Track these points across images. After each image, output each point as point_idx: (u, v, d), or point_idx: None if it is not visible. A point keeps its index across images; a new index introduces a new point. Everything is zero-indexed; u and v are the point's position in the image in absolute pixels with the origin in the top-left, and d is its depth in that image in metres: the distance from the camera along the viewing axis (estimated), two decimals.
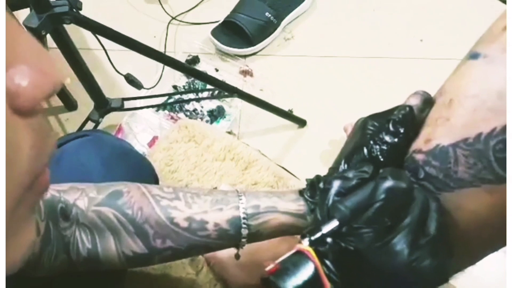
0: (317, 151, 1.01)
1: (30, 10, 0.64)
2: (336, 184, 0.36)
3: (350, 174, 0.36)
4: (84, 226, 0.41)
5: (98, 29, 0.67)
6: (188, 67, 0.91)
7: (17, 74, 0.18)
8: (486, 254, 0.37)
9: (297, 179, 0.66)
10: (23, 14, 1.03)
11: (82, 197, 0.42)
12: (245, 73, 1.11)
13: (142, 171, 0.53)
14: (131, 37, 0.72)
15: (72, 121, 1.05)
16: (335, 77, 1.11)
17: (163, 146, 0.69)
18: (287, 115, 1.01)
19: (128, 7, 1.23)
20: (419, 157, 0.35)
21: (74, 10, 0.65)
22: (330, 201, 0.35)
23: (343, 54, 1.14)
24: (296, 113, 1.06)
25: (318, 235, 0.33)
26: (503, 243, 0.36)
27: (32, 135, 0.19)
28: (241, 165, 0.65)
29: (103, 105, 0.84)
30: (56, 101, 1.05)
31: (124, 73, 0.85)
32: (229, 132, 0.73)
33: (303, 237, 0.34)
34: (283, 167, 0.68)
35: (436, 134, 0.35)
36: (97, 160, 0.49)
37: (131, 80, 0.87)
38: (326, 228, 0.33)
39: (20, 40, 0.19)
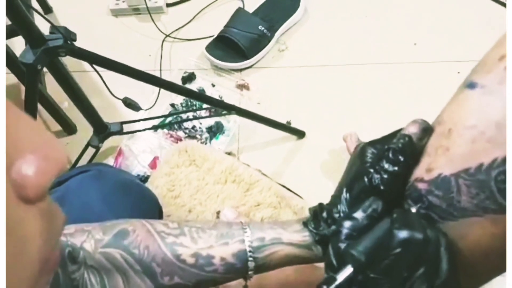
0: (317, 161, 1.01)
1: (25, 44, 0.64)
2: (346, 225, 0.36)
3: (359, 215, 0.36)
4: (92, 268, 0.42)
5: (94, 59, 0.67)
6: (184, 89, 0.91)
7: (23, 164, 0.18)
8: (492, 277, 0.37)
9: (300, 198, 0.67)
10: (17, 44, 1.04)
11: (88, 239, 0.42)
12: (242, 87, 1.12)
13: (145, 203, 0.53)
14: (125, 64, 0.72)
15: (72, 145, 1.05)
16: (332, 85, 1.11)
17: (164, 171, 0.69)
18: (285, 127, 1.02)
19: (122, 27, 1.23)
20: (422, 186, 0.36)
21: (69, 42, 0.65)
22: (342, 245, 0.35)
23: (338, 62, 1.14)
24: (294, 124, 1.06)
25: (334, 285, 0.33)
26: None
27: (41, 221, 0.19)
28: (243, 186, 0.66)
29: (102, 130, 0.84)
30: (55, 126, 1.05)
31: (122, 97, 0.85)
32: (229, 153, 0.74)
33: (319, 287, 0.34)
34: (284, 186, 0.68)
35: (437, 164, 0.35)
36: (99, 197, 0.49)
37: (128, 103, 0.87)
38: (341, 276, 0.33)
39: (22, 127, 0.19)
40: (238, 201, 0.65)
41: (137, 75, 0.73)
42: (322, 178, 0.99)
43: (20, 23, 0.60)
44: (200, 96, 0.89)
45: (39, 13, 0.62)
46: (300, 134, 1.04)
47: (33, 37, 0.62)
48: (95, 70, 0.73)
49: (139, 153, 0.98)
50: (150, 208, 0.53)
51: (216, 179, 0.66)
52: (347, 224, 0.36)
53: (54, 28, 0.63)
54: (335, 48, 1.16)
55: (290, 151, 1.03)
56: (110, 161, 0.98)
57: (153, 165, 0.97)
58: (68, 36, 0.65)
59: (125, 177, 0.55)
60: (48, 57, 0.64)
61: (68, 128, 1.03)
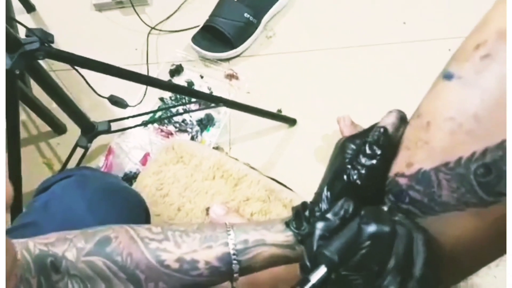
0: (310, 148, 1.00)
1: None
2: (319, 227, 0.36)
3: (331, 215, 0.36)
4: (76, 276, 0.41)
5: (73, 60, 0.66)
6: (170, 85, 0.90)
7: None
8: (478, 269, 0.37)
9: (289, 191, 0.66)
10: None
11: (70, 248, 0.42)
12: (231, 76, 1.10)
13: (131, 206, 0.53)
14: (107, 63, 0.71)
15: (63, 145, 1.04)
16: (321, 70, 1.09)
17: (152, 170, 0.68)
18: (276, 116, 1.01)
19: (106, 22, 1.21)
20: (402, 181, 0.35)
21: (46, 44, 0.63)
22: (315, 246, 0.35)
23: (327, 46, 1.12)
24: (285, 111, 1.05)
25: (307, 286, 0.33)
26: (494, 259, 0.36)
27: None
28: (231, 182, 0.65)
29: (90, 130, 0.84)
30: (45, 127, 1.04)
31: (107, 95, 0.84)
32: (217, 148, 0.73)
33: None
34: (274, 179, 0.67)
35: (417, 158, 0.34)
36: (83, 202, 0.48)
37: (115, 101, 0.86)
38: (315, 277, 0.33)
39: None
40: (227, 197, 0.64)
41: (120, 74, 0.72)
42: (316, 165, 0.98)
43: None
44: (188, 90, 0.88)
45: (14, 19, 0.60)
46: (291, 121, 1.03)
47: (9, 42, 0.61)
48: (77, 71, 0.71)
49: (129, 150, 0.97)
50: (136, 212, 0.53)
51: (204, 176, 0.66)
52: (320, 225, 0.36)
53: (30, 31, 0.62)
54: (323, 32, 1.14)
55: (282, 140, 1.03)
56: (101, 160, 0.97)
57: (144, 161, 0.97)
58: (45, 38, 0.64)
59: (110, 180, 0.54)
60: (25, 61, 0.63)
61: (58, 128, 1.02)
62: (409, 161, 0.35)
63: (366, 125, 0.97)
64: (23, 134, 1.06)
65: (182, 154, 0.68)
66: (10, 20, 0.66)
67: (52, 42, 0.65)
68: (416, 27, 1.12)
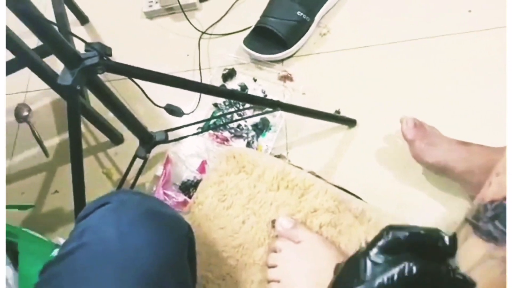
0: (372, 150, 0.95)
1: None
2: None
3: None
4: None
5: (131, 73, 0.65)
6: (224, 91, 0.88)
7: None
8: None
9: (359, 200, 0.62)
10: None
11: None
12: (285, 78, 1.07)
13: (170, 233, 0.48)
14: (163, 73, 0.70)
15: (120, 155, 1.05)
16: (381, 66, 1.03)
17: (213, 180, 0.66)
18: (334, 118, 0.96)
19: (158, 29, 1.21)
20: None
21: (105, 58, 0.63)
22: None
23: (386, 41, 1.06)
24: (344, 112, 1.00)
25: None
26: None
27: None
28: (297, 192, 0.62)
29: (148, 140, 0.83)
30: (103, 137, 1.06)
31: (164, 103, 0.83)
32: (278, 156, 0.69)
33: None
34: (342, 188, 0.63)
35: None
36: (116, 233, 0.45)
37: (171, 110, 0.84)
38: None
39: None
40: (293, 208, 0.61)
41: (176, 83, 0.71)
42: (379, 167, 0.93)
43: (54, 46, 0.58)
44: (243, 96, 0.85)
45: (72, 34, 0.60)
46: (351, 122, 0.98)
47: (69, 58, 0.60)
48: (135, 82, 0.71)
49: (186, 158, 0.96)
50: (176, 238, 0.49)
51: (268, 186, 0.63)
52: None
53: (89, 46, 0.61)
54: (381, 26, 1.08)
55: (342, 142, 0.98)
56: (159, 168, 0.97)
57: (202, 169, 0.95)
58: (103, 51, 0.63)
59: (148, 205, 0.50)
60: (85, 76, 0.62)
61: (115, 138, 1.03)
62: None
63: (432, 123, 0.91)
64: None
65: (244, 163, 0.66)
66: (68, 34, 0.66)
67: (110, 55, 0.65)
68: (483, 14, 1.03)
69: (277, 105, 0.85)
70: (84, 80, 0.62)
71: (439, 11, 1.06)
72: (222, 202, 0.64)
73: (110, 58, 0.65)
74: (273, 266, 0.56)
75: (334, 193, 0.61)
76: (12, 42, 0.78)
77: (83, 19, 1.23)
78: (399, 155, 0.91)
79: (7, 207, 0.97)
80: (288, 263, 0.55)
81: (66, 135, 1.11)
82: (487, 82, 0.94)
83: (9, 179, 1.09)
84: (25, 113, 1.14)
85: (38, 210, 1.02)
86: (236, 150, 0.67)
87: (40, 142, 1.09)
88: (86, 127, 1.09)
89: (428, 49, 1.02)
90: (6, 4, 0.52)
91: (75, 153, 0.71)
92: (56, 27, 0.58)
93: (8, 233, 0.83)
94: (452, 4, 1.06)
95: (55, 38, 0.57)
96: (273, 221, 0.61)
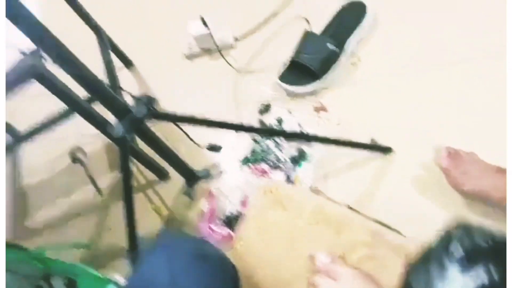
0: (409, 177, 0.96)
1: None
2: None
3: None
4: None
5: (176, 119, 0.71)
6: (262, 129, 0.92)
7: None
8: None
9: (396, 233, 0.64)
10: None
11: None
12: (319, 109, 1.10)
13: (220, 274, 0.52)
14: (206, 119, 0.75)
15: (167, 191, 1.11)
16: (413, 93, 1.05)
17: (252, 216, 0.70)
18: (369, 147, 0.98)
19: (197, 69, 1.29)
20: None
21: (152, 108, 0.69)
22: None
23: (418, 67, 1.07)
24: (379, 140, 1.02)
25: None
26: None
27: None
28: (334, 226, 0.64)
29: (192, 178, 0.89)
30: (150, 175, 1.13)
31: (205, 140, 0.89)
32: (314, 190, 0.72)
33: None
34: (378, 221, 0.65)
35: None
36: (166, 275, 0.49)
37: (211, 148, 0.90)
38: None
39: None
40: (331, 243, 0.64)
41: (218, 125, 0.76)
42: (417, 195, 0.93)
43: (106, 102, 0.65)
44: (279, 132, 0.89)
45: (121, 88, 0.67)
46: (386, 150, 1.00)
47: (120, 111, 0.67)
48: (178, 127, 0.77)
49: (229, 192, 1.01)
50: (226, 280, 0.52)
51: (305, 221, 0.66)
52: None
53: (137, 100, 0.68)
54: (412, 51, 1.10)
55: (379, 170, 0.99)
56: (204, 203, 1.02)
57: (244, 202, 1.00)
58: (151, 103, 0.69)
59: (197, 248, 0.54)
60: (135, 126, 0.69)
61: (162, 175, 1.09)
62: None
63: (470, 148, 0.91)
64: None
65: (281, 198, 0.69)
66: (118, 89, 0.73)
67: (157, 105, 0.71)
68: None
69: (312, 139, 0.88)
70: (134, 131, 0.68)
71: (473, 32, 1.06)
72: (262, 238, 0.68)
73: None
74: None
75: (371, 226, 0.63)
76: (65, 94, 0.86)
77: (128, 63, 1.33)
78: (437, 182, 0.91)
79: (66, 245, 1.05)
80: None
81: (117, 174, 1.20)
82: None
83: (67, 218, 1.18)
84: (80, 155, 1.23)
85: (94, 247, 1.09)
86: (273, 184, 0.71)
87: (94, 182, 1.17)
88: (135, 165, 1.16)
89: (460, 74, 1.03)
90: (65, 70, 0.59)
91: (127, 194, 0.77)
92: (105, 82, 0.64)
93: (68, 271, 0.90)
94: (487, 24, 1.06)
95: (106, 95, 0.64)
96: (312, 256, 0.63)
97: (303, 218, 0.66)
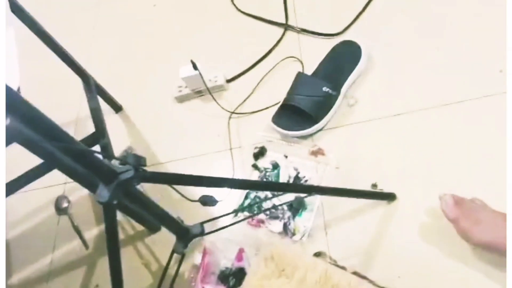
0: (415, 225, 0.91)
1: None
2: None
3: None
4: None
5: (167, 180, 0.66)
6: (257, 183, 0.88)
7: None
8: None
9: None
10: None
11: None
12: (316, 153, 1.06)
13: None
14: (199, 176, 0.70)
15: (158, 243, 1.05)
16: (415, 134, 1.01)
17: (252, 284, 0.64)
18: (372, 194, 0.94)
19: (188, 112, 1.24)
20: None
21: (140, 170, 0.64)
22: None
23: (417, 107, 1.03)
24: (381, 184, 0.97)
25: None
26: None
27: None
28: None
29: (184, 235, 0.83)
30: (139, 227, 1.06)
31: (197, 198, 0.83)
32: (318, 254, 0.67)
33: None
34: None
35: None
36: None
37: (205, 202, 0.84)
38: None
39: None
40: None
41: (211, 183, 0.71)
42: (422, 244, 0.88)
43: (90, 167, 0.60)
44: (275, 186, 0.85)
45: (113, 157, 0.62)
46: (390, 197, 0.95)
47: (105, 175, 0.62)
48: (171, 186, 0.71)
49: (223, 246, 0.95)
50: None
51: None
52: None
53: (123, 161, 0.63)
54: (410, 92, 1.06)
55: (382, 218, 0.94)
56: (197, 257, 0.96)
57: (239, 257, 0.94)
58: (138, 163, 0.64)
59: None
60: (121, 190, 0.63)
61: (153, 227, 1.03)
62: None
63: (475, 193, 0.87)
64: (119, 235, 1.10)
65: (283, 266, 0.64)
66: (109, 157, 0.68)
67: (145, 165, 0.66)
68: None
69: (311, 190, 0.83)
70: (120, 195, 0.63)
71: (469, 72, 1.04)
72: None
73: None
74: None
75: None
76: (45, 150, 0.81)
77: (117, 108, 1.28)
78: (445, 230, 0.86)
79: None
80: None
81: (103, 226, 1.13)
82: None
83: (52, 274, 1.11)
84: (65, 205, 1.17)
85: None
86: (274, 250, 0.65)
87: (80, 234, 1.11)
88: (123, 216, 1.10)
89: (462, 113, 0.99)
90: (46, 139, 0.54)
91: (114, 259, 0.71)
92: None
93: None
94: (481, 65, 1.04)
95: (92, 160, 0.59)
96: None
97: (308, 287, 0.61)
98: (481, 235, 0.78)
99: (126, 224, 1.10)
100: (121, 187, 0.63)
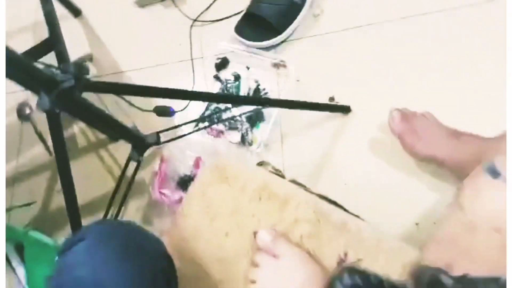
0: (366, 138, 0.94)
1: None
2: None
3: None
4: None
5: (112, 90, 0.65)
6: (213, 95, 0.87)
7: None
8: None
9: (341, 210, 0.62)
10: None
11: None
12: (278, 65, 1.05)
13: (148, 267, 0.50)
14: (147, 86, 0.69)
15: (120, 151, 1.07)
16: (377, 48, 0.99)
17: (198, 191, 0.67)
18: (328, 107, 0.95)
19: (149, 17, 1.19)
20: (447, 281, 0.30)
21: (82, 78, 0.63)
22: None
23: (384, 18, 0.99)
24: (338, 98, 0.98)
25: None
26: None
27: None
28: (278, 203, 0.62)
29: (140, 144, 0.84)
30: (100, 134, 1.08)
31: (152, 108, 0.84)
32: (261, 164, 0.69)
33: None
34: (323, 196, 0.64)
35: (460, 263, 0.29)
36: (90, 272, 0.47)
37: (160, 112, 0.85)
38: None
39: None
40: (274, 219, 0.62)
41: (162, 94, 0.71)
42: (372, 157, 0.92)
43: (27, 74, 0.59)
44: (231, 98, 0.85)
45: (48, 65, 0.60)
46: (345, 110, 0.96)
47: (44, 83, 0.61)
48: (119, 96, 0.71)
49: (182, 154, 0.97)
50: (153, 272, 0.51)
51: (250, 198, 0.64)
52: None
53: (60, 69, 0.62)
54: (378, 2, 1.02)
55: (336, 130, 0.97)
56: (155, 166, 0.99)
57: (196, 165, 0.97)
58: (79, 72, 0.63)
59: (125, 239, 0.51)
60: (64, 99, 0.63)
61: (112, 136, 1.05)
62: (450, 262, 0.30)
63: (428, 108, 0.89)
64: (82, 142, 1.11)
65: (227, 175, 0.66)
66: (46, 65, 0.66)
67: (87, 73, 0.65)
68: None
69: (266, 103, 0.84)
70: (63, 104, 0.63)
71: None
72: (206, 214, 0.66)
73: (88, 77, 0.66)
74: (253, 282, 0.58)
75: (315, 203, 0.62)
76: None
77: (76, 12, 1.22)
78: (393, 145, 0.89)
79: (12, 208, 1.02)
80: (266, 280, 0.57)
81: (69, 131, 1.14)
82: (489, 64, 0.89)
83: (17, 179, 1.14)
84: (28, 112, 1.16)
85: (44, 209, 1.06)
86: (219, 163, 0.68)
87: (43, 141, 1.12)
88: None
89: (426, 26, 0.96)
90: None
91: (64, 173, 0.72)
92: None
93: (17, 237, 0.88)
94: None
95: (27, 68, 0.58)
96: (255, 233, 0.62)
97: (247, 195, 0.64)
98: (424, 150, 0.81)
99: (89, 132, 1.11)
100: (62, 96, 0.62)
